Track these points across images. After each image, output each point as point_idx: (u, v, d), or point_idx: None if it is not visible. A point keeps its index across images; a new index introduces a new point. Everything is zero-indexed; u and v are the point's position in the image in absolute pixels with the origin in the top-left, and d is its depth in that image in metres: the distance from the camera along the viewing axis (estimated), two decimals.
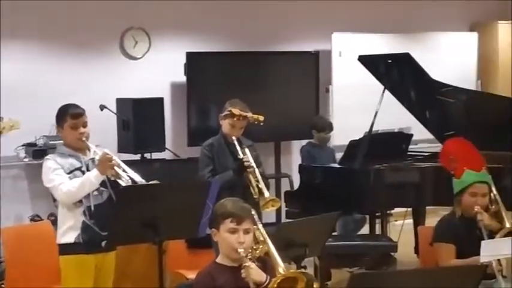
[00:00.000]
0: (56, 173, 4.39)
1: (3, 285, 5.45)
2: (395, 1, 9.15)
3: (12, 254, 5.07)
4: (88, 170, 4.39)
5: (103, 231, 4.32)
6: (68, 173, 4.41)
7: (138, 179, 4.28)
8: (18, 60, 7.44)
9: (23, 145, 7.19)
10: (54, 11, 7.60)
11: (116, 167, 4.31)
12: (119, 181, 4.29)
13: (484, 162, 4.71)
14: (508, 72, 9.57)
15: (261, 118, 5.32)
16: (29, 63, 7.49)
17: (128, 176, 4.28)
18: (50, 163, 4.44)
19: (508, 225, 4.38)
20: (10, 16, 7.31)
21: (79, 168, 4.42)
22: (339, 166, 7.00)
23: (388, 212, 7.17)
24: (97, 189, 4.37)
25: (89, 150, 4.47)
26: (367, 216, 7.05)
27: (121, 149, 7.39)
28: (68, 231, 4.43)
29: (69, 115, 4.50)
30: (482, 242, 3.94)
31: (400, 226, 7.05)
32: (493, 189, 4.62)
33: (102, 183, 4.37)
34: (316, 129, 7.45)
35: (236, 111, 5.23)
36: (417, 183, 6.43)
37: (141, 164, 7.30)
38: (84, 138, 4.42)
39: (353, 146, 6.82)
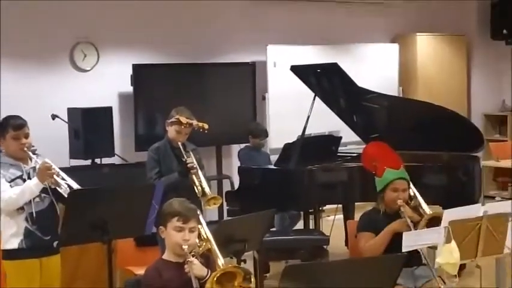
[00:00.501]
0: None
1: None
2: (325, 14, 9.23)
3: None
4: (29, 178, 4.32)
5: (45, 236, 4.31)
6: (9, 182, 4.34)
7: (76, 186, 4.19)
8: None
9: None
10: (6, 24, 7.47)
11: (55, 176, 4.23)
12: (58, 189, 4.23)
13: (401, 161, 4.78)
14: (426, 80, 9.75)
15: (206, 126, 5.34)
16: None
17: (66, 184, 4.21)
18: None
19: (428, 211, 4.44)
20: None
21: (20, 177, 4.34)
22: (275, 167, 6.97)
23: (320, 208, 7.19)
24: (39, 196, 4.30)
25: (31, 159, 4.37)
26: (302, 213, 7.08)
27: (73, 155, 7.33)
28: (11, 238, 4.34)
29: (11, 126, 4.42)
30: (404, 233, 3.97)
31: (332, 221, 7.10)
32: (411, 185, 4.66)
33: (44, 190, 4.30)
34: (252, 135, 7.47)
35: (183, 119, 5.24)
36: (346, 182, 6.46)
37: (92, 169, 7.29)
38: (25, 149, 4.37)
39: (287, 149, 6.84)
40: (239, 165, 7.28)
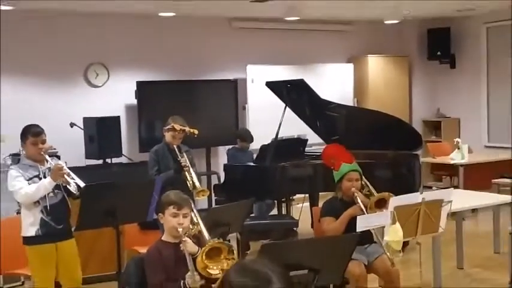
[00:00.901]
0: (17, 180, 4.27)
1: None
2: (294, 40, 9.18)
3: None
4: (45, 177, 4.28)
5: (58, 225, 4.28)
6: (28, 180, 4.30)
7: (82, 184, 4.16)
8: (5, 91, 7.28)
9: (9, 155, 7.00)
10: (31, 48, 7.46)
11: (65, 175, 4.21)
12: (68, 186, 4.19)
13: (354, 158, 4.77)
14: (376, 92, 9.73)
15: (196, 132, 5.30)
16: (14, 92, 7.33)
17: (75, 182, 4.18)
18: (13, 172, 4.31)
19: (375, 194, 4.44)
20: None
21: (37, 176, 4.30)
22: (253, 164, 6.96)
23: (291, 197, 7.19)
24: (52, 192, 4.26)
25: (47, 161, 4.33)
26: (276, 201, 7.04)
27: (88, 156, 7.31)
28: (29, 227, 4.31)
29: (31, 133, 4.38)
30: (358, 217, 3.97)
31: (300, 208, 7.07)
32: (363, 176, 4.63)
33: (57, 187, 4.26)
34: (241, 139, 7.42)
35: (177, 126, 5.23)
36: (311, 176, 6.47)
37: (104, 167, 7.24)
38: (42, 152, 4.34)
39: (263, 149, 6.81)
40: (225, 163, 7.26)
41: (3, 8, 6.65)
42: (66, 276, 4.42)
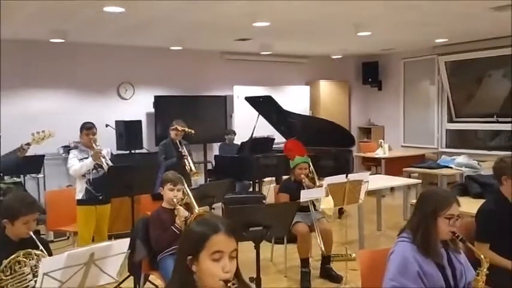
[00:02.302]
0: (71, 160, 4.29)
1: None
2: (267, 68, 9.12)
3: (51, 204, 4.82)
4: None
5: (97, 193, 4.28)
6: (79, 160, 4.29)
7: (111, 164, 4.18)
8: (62, 100, 7.24)
9: (62, 146, 6.95)
10: (82, 72, 7.39)
11: (101, 157, 4.20)
12: (102, 164, 4.20)
13: (306, 151, 4.76)
14: (326, 107, 9.68)
15: (193, 131, 5.30)
16: (68, 102, 7.32)
17: (106, 163, 4.18)
18: (71, 155, 4.36)
19: (317, 183, 4.46)
20: (50, 72, 7.12)
21: (86, 158, 4.30)
22: (236, 155, 6.91)
23: (262, 179, 7.16)
24: (95, 169, 4.26)
25: (94, 148, 4.31)
26: (251, 182, 7.00)
27: (118, 148, 7.23)
28: (78, 193, 4.33)
29: (85, 128, 4.38)
30: (302, 191, 3.99)
31: (268, 187, 7.06)
32: (311, 166, 4.64)
33: (99, 166, 4.25)
34: (228, 135, 7.45)
35: (179, 126, 5.22)
36: (276, 164, 6.42)
37: (130, 155, 7.18)
38: (92, 141, 4.32)
39: (243, 145, 6.84)
40: (216, 154, 7.25)
41: (55, 40, 6.58)
42: (98, 231, 4.41)
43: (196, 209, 3.43)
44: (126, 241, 2.30)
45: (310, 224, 4.31)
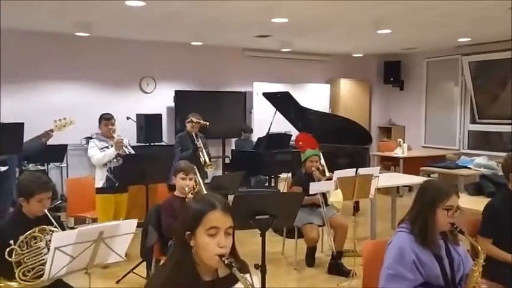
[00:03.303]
0: (93, 149, 4.44)
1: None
2: (288, 65, 9.15)
3: (72, 192, 5.01)
4: None
5: (117, 181, 4.41)
6: (100, 149, 4.44)
7: (133, 152, 4.33)
8: (87, 94, 7.45)
9: (84, 137, 7.13)
10: (106, 67, 7.58)
11: (123, 147, 4.33)
12: (124, 153, 4.35)
13: (317, 145, 4.80)
14: (346, 105, 9.68)
15: (208, 123, 5.38)
16: (93, 95, 7.51)
17: (129, 151, 4.33)
18: (91, 144, 4.51)
19: (327, 175, 4.52)
20: (74, 65, 7.31)
21: (106, 147, 4.45)
22: (252, 150, 6.99)
23: (278, 175, 7.17)
24: (115, 158, 4.39)
25: (114, 138, 4.47)
26: (267, 177, 7.09)
27: (138, 140, 7.36)
28: (99, 181, 4.47)
29: (104, 118, 4.54)
30: (311, 183, 4.04)
31: (284, 183, 7.12)
32: (322, 159, 4.70)
33: (119, 155, 4.39)
34: (244, 131, 7.53)
35: (194, 119, 5.31)
36: (291, 160, 6.45)
37: (148, 147, 7.29)
38: (111, 131, 4.46)
39: (260, 140, 6.92)
40: (232, 148, 7.34)
41: (80, 34, 6.78)
42: (116, 219, 4.50)
43: None
44: (134, 222, 2.42)
45: (321, 222, 4.34)
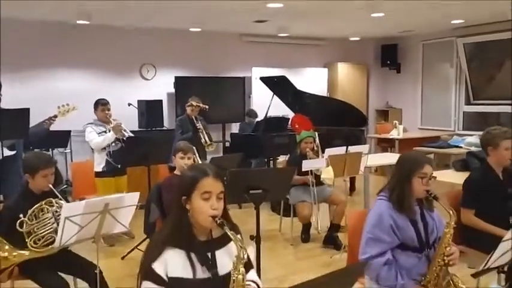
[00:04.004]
0: (91, 134, 4.59)
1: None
2: (285, 49, 9.27)
3: (76, 175, 5.17)
4: (109, 132, 4.58)
5: (118, 163, 4.56)
6: (98, 133, 4.60)
7: (131, 135, 4.47)
8: (87, 80, 7.60)
9: (87, 124, 7.28)
10: (106, 54, 7.72)
11: (122, 131, 4.50)
12: (123, 137, 4.50)
13: (312, 126, 4.95)
14: (343, 89, 9.81)
15: (207, 107, 5.55)
16: (94, 82, 7.65)
17: (128, 135, 4.48)
18: (88, 128, 4.65)
19: (321, 156, 4.67)
20: (76, 53, 7.45)
21: (104, 131, 4.60)
22: (251, 133, 7.07)
23: (276, 157, 7.18)
24: (114, 142, 4.54)
25: (111, 122, 4.62)
26: (265, 160, 7.22)
27: (140, 126, 7.51)
28: (98, 165, 4.61)
29: (100, 103, 4.69)
30: (304, 161, 4.21)
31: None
32: (317, 140, 4.82)
33: (118, 139, 4.53)
34: (249, 116, 7.63)
35: (194, 102, 5.49)
36: (288, 143, 6.42)
37: (151, 132, 7.43)
38: (108, 116, 4.62)
39: (258, 124, 7.03)
40: (231, 132, 7.47)
41: (81, 22, 6.93)
42: None
43: None
44: (137, 194, 2.64)
45: (313, 201, 4.53)
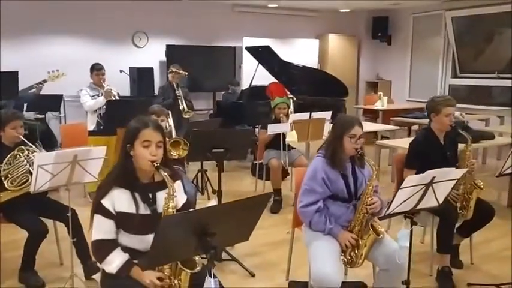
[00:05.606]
0: (85, 96, 4.87)
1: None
2: (276, 19, 9.32)
3: (66, 136, 5.46)
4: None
5: (104, 124, 4.84)
6: (91, 96, 4.91)
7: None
8: (80, 48, 7.80)
9: (80, 89, 7.56)
10: (100, 21, 7.92)
11: (112, 96, 4.77)
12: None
13: (286, 93, 5.15)
14: (333, 61, 9.95)
15: (186, 73, 5.80)
16: (87, 50, 7.79)
17: (116, 98, 4.76)
18: (83, 92, 4.92)
19: (291, 120, 4.84)
20: (68, 20, 7.67)
21: (97, 95, 4.87)
22: (237, 101, 7.32)
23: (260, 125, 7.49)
24: (104, 105, 4.80)
25: (103, 87, 4.90)
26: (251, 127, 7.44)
27: (131, 93, 7.73)
28: (91, 125, 4.90)
29: (95, 69, 4.96)
30: (269, 125, 4.49)
31: None
32: (290, 107, 5.03)
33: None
34: (232, 84, 7.88)
35: (174, 69, 5.74)
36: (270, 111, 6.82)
37: (141, 98, 7.39)
38: (101, 81, 4.89)
39: (243, 92, 7.30)
40: (218, 100, 7.72)
41: None
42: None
43: (174, 135, 4.00)
44: (103, 148, 2.96)
45: (282, 161, 4.71)
